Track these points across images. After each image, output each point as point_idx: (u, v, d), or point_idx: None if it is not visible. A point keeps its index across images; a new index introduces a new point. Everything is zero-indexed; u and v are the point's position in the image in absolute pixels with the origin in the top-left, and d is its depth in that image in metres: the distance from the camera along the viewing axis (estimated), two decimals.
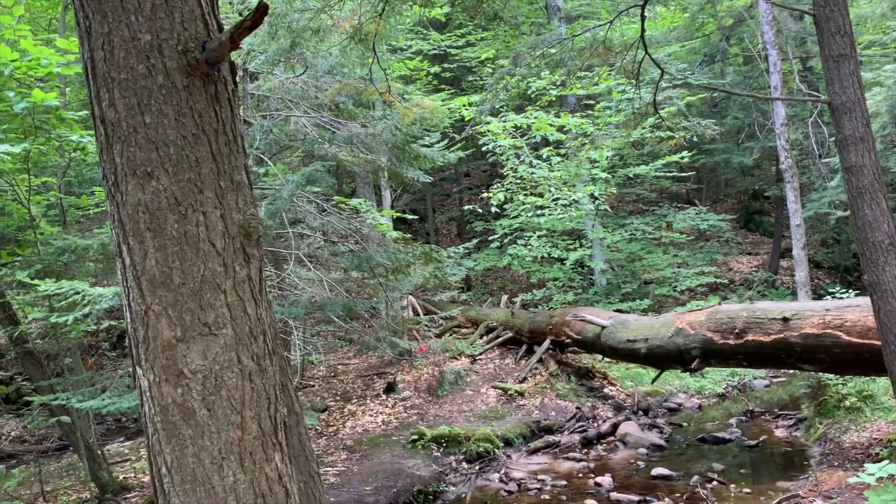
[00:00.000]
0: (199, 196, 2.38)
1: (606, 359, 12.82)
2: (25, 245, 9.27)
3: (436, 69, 16.37)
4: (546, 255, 16.01)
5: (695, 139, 12.60)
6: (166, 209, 2.34)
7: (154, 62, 2.32)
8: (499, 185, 12.10)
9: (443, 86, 16.73)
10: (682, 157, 14.16)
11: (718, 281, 17.01)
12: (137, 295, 2.36)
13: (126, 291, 2.41)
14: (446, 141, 11.06)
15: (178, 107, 2.35)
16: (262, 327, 2.52)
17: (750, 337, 8.66)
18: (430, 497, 8.84)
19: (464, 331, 15.51)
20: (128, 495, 8.98)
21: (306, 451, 4.12)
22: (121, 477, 9.49)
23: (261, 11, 2.22)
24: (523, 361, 13.49)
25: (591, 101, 15.45)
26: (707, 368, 12.73)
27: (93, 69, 2.37)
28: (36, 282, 6.72)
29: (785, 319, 8.26)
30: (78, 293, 6.56)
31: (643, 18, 7.23)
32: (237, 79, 2.62)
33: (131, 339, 2.43)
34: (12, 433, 14.36)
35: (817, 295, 14.48)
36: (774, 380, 13.17)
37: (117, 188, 2.36)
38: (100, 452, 9.08)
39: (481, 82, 16.74)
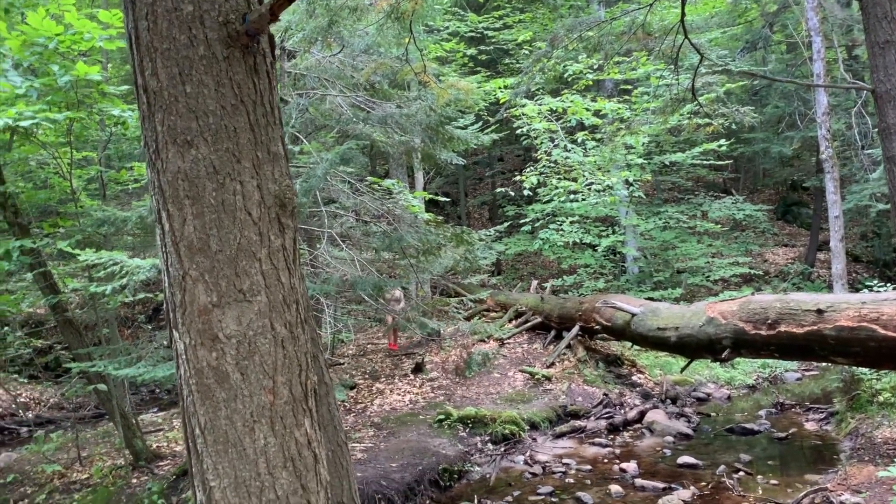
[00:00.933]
0: (237, 165, 2.44)
1: (635, 347, 12.76)
2: (66, 217, 9.50)
3: (472, 51, 16.30)
4: (578, 241, 15.93)
5: (733, 127, 12.40)
6: (205, 177, 2.40)
7: (195, 32, 2.37)
8: (532, 168, 12.04)
9: (478, 68, 16.66)
10: (720, 146, 13.94)
11: (753, 272, 16.78)
12: (175, 260, 2.42)
13: (165, 257, 2.48)
14: (480, 123, 11.03)
15: (218, 77, 2.40)
16: (295, 296, 2.57)
17: (783, 328, 8.54)
18: (456, 476, 8.93)
19: (493, 315, 15.54)
20: (160, 463, 9.21)
21: (335, 421, 4.20)
22: (154, 445, 9.73)
23: None
24: (551, 346, 13.49)
25: (629, 87, 15.27)
26: (737, 359, 12.62)
27: (136, 39, 2.42)
28: (77, 251, 6.88)
29: (819, 311, 8.13)
30: (116, 264, 6.71)
31: (683, 2, 7.13)
32: (275, 52, 2.66)
33: (168, 303, 2.50)
34: (51, 400, 14.78)
35: (854, 289, 14.22)
36: (806, 373, 13.00)
37: (158, 156, 2.42)
38: (134, 421, 9.31)
39: (517, 65, 16.63)
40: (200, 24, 2.37)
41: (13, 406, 13.79)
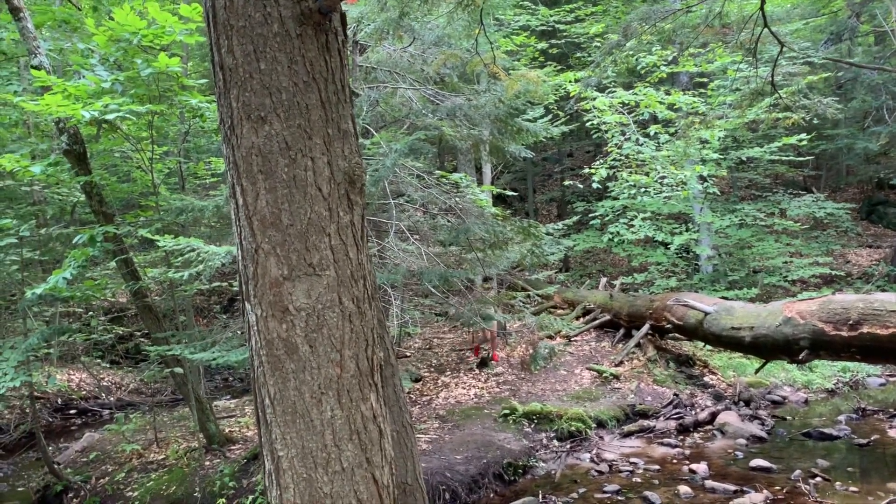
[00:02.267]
0: (308, 142, 2.48)
1: (708, 347, 12.43)
2: (147, 209, 9.88)
3: (543, 45, 16.16)
4: (649, 237, 15.60)
5: (815, 121, 11.91)
6: (277, 153, 2.45)
7: (270, 10, 2.42)
8: (602, 161, 11.86)
9: (549, 62, 16.50)
10: (801, 140, 13.41)
11: (834, 273, 16.11)
12: (249, 234, 2.48)
13: (238, 230, 2.54)
14: (550, 117, 10.92)
15: (291, 54, 2.45)
16: (363, 272, 2.60)
17: (865, 329, 8.18)
18: (520, 471, 8.89)
19: (560, 311, 15.39)
20: (232, 447, 9.49)
21: (400, 402, 4.23)
22: (226, 430, 10.03)
23: None
24: (620, 345, 13.28)
25: (705, 80, 14.87)
26: (815, 362, 12.14)
27: (213, 17, 2.49)
28: (156, 237, 7.14)
29: None
30: (193, 250, 6.93)
31: None
32: (347, 31, 2.69)
33: (241, 275, 2.57)
34: (131, 385, 15.41)
35: None
36: (891, 378, 12.40)
37: (233, 131, 2.48)
38: (208, 406, 9.62)
39: (589, 58, 16.41)
40: (275, 1, 2.42)
41: (96, 389, 14.45)
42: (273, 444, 2.50)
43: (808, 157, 15.90)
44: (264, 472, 2.59)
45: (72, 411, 13.76)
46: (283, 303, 2.46)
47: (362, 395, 2.55)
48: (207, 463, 9.02)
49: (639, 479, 8.45)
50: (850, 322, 8.33)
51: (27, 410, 12.02)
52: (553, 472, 8.92)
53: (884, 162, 20.45)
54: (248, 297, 2.53)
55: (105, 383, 14.96)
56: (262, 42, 2.42)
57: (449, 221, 9.44)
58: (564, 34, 16.69)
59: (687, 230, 16.34)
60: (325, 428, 2.48)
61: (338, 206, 2.53)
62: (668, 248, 16.74)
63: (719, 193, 15.84)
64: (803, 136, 13.40)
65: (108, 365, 16.09)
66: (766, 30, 7.25)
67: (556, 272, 19.39)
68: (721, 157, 14.27)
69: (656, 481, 8.36)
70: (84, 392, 14.62)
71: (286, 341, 2.46)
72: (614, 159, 11.58)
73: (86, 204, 12.44)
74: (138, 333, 16.35)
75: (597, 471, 8.84)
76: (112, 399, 14.13)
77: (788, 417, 10.69)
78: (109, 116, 7.25)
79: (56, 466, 9.21)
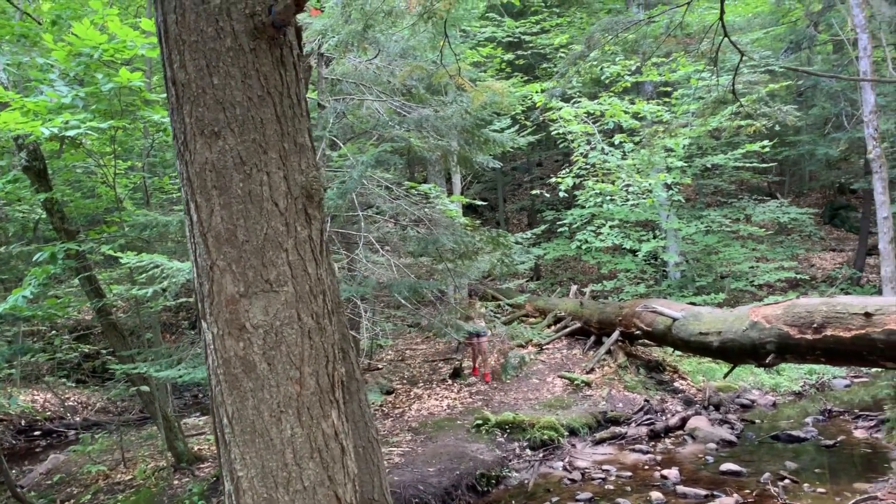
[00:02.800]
0: (264, 156, 2.45)
1: (677, 352, 12.53)
2: (112, 225, 9.72)
3: (509, 56, 16.27)
4: (617, 244, 15.74)
5: (777, 128, 12.13)
6: (232, 168, 2.42)
7: (223, 25, 2.40)
8: (568, 170, 11.95)
9: (516, 73, 16.63)
10: (764, 147, 13.65)
11: (799, 277, 16.38)
12: (203, 251, 2.44)
13: (193, 248, 2.50)
14: (517, 127, 10.98)
15: (245, 69, 2.42)
16: (322, 287, 2.57)
17: (829, 332, 8.30)
18: (493, 481, 8.86)
19: (531, 320, 15.43)
20: (201, 465, 9.33)
21: (366, 417, 4.19)
22: (195, 448, 9.87)
23: None
24: (591, 352, 13.34)
25: (669, 89, 15.08)
26: (783, 365, 12.31)
27: (165, 32, 2.46)
28: (119, 254, 7.03)
29: (867, 315, 7.88)
30: (157, 266, 6.83)
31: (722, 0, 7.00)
32: (302, 45, 2.67)
33: (197, 293, 2.53)
34: (97, 404, 15.11)
35: None
36: (856, 380, 12.61)
37: (186, 147, 2.45)
38: (176, 424, 9.46)
39: (555, 69, 16.54)
40: (227, 16, 2.40)
41: (61, 409, 14.15)
42: (232, 465, 2.45)
43: (771, 164, 16.18)
44: (224, 492, 2.54)
45: (36, 433, 13.44)
46: (239, 320, 2.42)
47: (323, 413, 2.51)
48: (176, 482, 8.86)
49: (611, 487, 8.48)
50: (815, 325, 8.45)
51: None
52: (526, 481, 8.90)
53: (844, 167, 20.89)
54: (204, 315, 2.48)
55: (71, 403, 14.66)
56: (214, 57, 2.39)
57: (419, 232, 9.44)
58: (531, 45, 16.82)
59: (655, 237, 16.51)
60: (286, 447, 2.44)
61: (295, 220, 2.50)
62: (637, 255, 16.89)
63: (685, 201, 16.04)
64: (766, 142, 13.63)
65: (73, 384, 15.76)
66: (726, 39, 7.37)
67: (526, 281, 19.46)
68: (686, 164, 14.47)
69: (629, 488, 8.39)
70: (49, 413, 14.30)
71: (243, 359, 2.42)
72: (580, 168, 11.67)
73: (48, 221, 12.23)
74: (104, 352, 16.08)
75: (570, 479, 8.84)
76: (78, 419, 13.84)
77: (757, 421, 10.81)
78: (70, 133, 7.12)
79: (19, 490, 8.99)
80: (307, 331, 2.50)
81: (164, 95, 8.35)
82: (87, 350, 14.25)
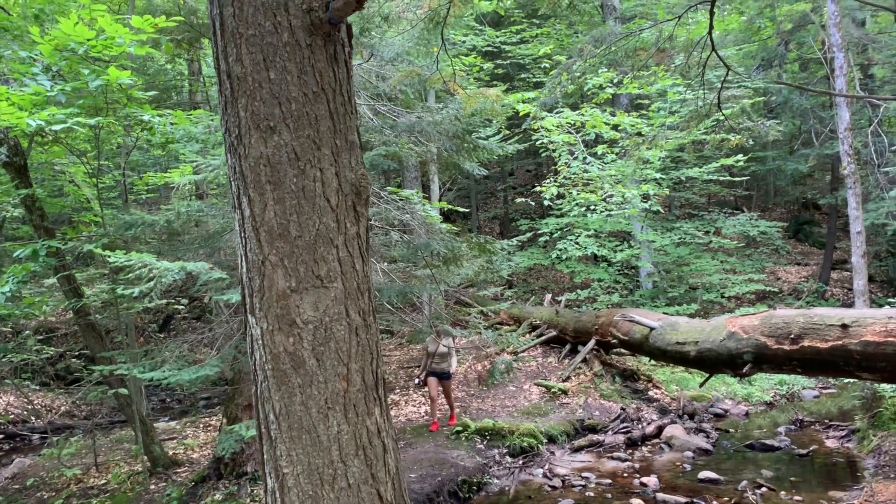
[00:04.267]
0: (317, 153, 2.45)
1: (652, 362, 12.70)
2: (84, 225, 9.54)
3: (489, 65, 16.39)
4: (592, 255, 15.92)
5: (749, 143, 12.42)
6: (286, 163, 2.41)
7: (280, 19, 2.39)
8: (552, 179, 12.07)
9: (495, 82, 16.76)
10: (737, 161, 13.96)
11: (767, 289, 16.74)
12: (255, 245, 2.43)
13: (243, 242, 2.48)
14: (500, 135, 11.06)
15: (301, 64, 2.42)
16: (368, 284, 2.58)
17: (806, 343, 8.48)
18: (474, 488, 8.87)
19: (506, 328, 15.49)
20: (178, 469, 9.17)
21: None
22: (170, 452, 9.70)
23: None
24: (567, 360, 13.44)
25: (644, 101, 15.35)
26: (755, 376, 12.56)
27: (221, 25, 2.44)
28: (107, 253, 6.90)
29: (844, 326, 8.08)
30: (146, 266, 6.72)
31: (712, 15, 7.16)
32: (353, 41, 2.68)
33: (246, 288, 2.50)
34: (62, 407, 14.75)
35: (876, 306, 14.17)
36: (824, 391, 12.93)
37: (240, 141, 2.43)
38: (153, 428, 9.28)
39: (534, 79, 16.69)
40: (285, 11, 2.40)
41: (24, 412, 13.77)
42: (278, 461, 2.43)
43: (742, 178, 16.55)
44: (265, 490, 2.51)
45: None
46: (290, 315, 2.41)
47: (368, 410, 2.51)
48: (153, 487, 8.69)
49: (592, 494, 8.54)
50: (792, 336, 8.63)
51: None
52: (507, 488, 8.92)
53: (809, 183, 21.45)
54: (253, 310, 2.46)
55: (35, 406, 14.27)
56: (271, 51, 2.39)
57: (402, 237, 9.42)
58: (509, 55, 16.97)
59: (630, 247, 16.73)
60: (332, 443, 2.43)
61: (345, 217, 2.50)
62: (611, 265, 17.08)
63: (661, 211, 16.30)
64: (740, 157, 13.93)
65: (37, 387, 15.35)
66: (713, 53, 7.54)
67: (501, 289, 19.56)
68: (662, 176, 14.71)
69: (609, 495, 8.47)
70: (11, 416, 13.91)
71: (293, 355, 2.41)
72: (564, 177, 11.80)
73: (16, 219, 11.93)
74: (70, 354, 15.68)
75: (550, 486, 8.89)
76: (42, 422, 13.48)
77: (731, 430, 11.00)
78: (56, 127, 6.99)
79: None
80: (355, 327, 2.50)
81: (150, 94, 8.25)
82: (51, 352, 13.90)
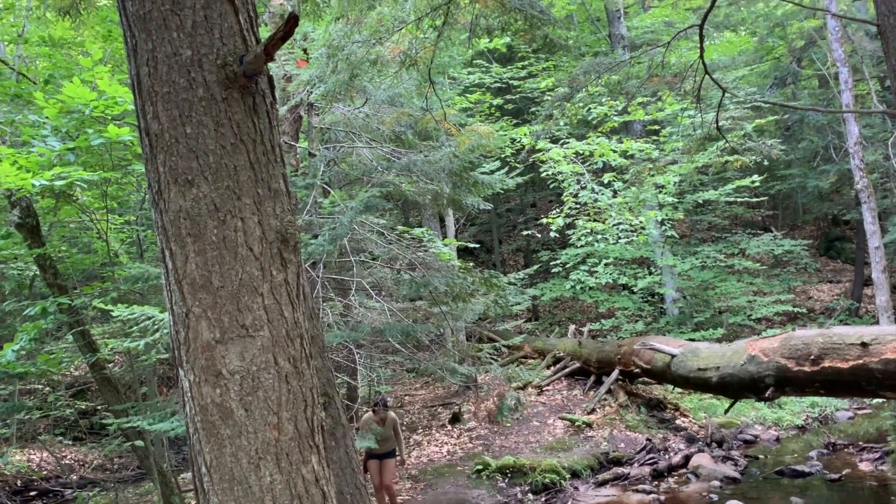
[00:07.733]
0: (238, 203, 2.47)
1: (678, 390, 12.44)
2: (108, 280, 9.74)
3: (498, 101, 16.51)
4: (612, 282, 15.73)
5: (766, 163, 12.25)
6: (206, 215, 2.44)
7: (194, 75, 2.44)
8: (558, 210, 12.03)
9: (505, 117, 16.85)
10: (753, 182, 13.78)
11: (797, 310, 16.33)
12: (179, 298, 2.45)
13: (169, 295, 2.51)
14: (507, 169, 11.09)
15: (217, 117, 2.46)
16: (299, 331, 2.57)
17: (826, 363, 8.24)
18: None
19: (530, 361, 15.34)
20: None
21: (353, 463, 4.13)
22: (193, 503, 9.70)
23: (291, 23, 2.32)
24: (591, 392, 13.23)
25: (657, 127, 15.29)
26: (785, 399, 12.21)
27: (138, 84, 2.50)
28: (110, 307, 7.02)
29: (864, 345, 7.85)
30: (149, 318, 6.82)
31: (702, 38, 7.14)
32: (275, 92, 2.72)
33: (174, 341, 2.52)
34: (95, 462, 14.90)
35: None
36: (859, 411, 12.48)
37: (160, 196, 2.47)
38: (173, 479, 9.32)
39: (543, 112, 16.73)
40: (199, 66, 2.45)
41: (57, 468, 13.94)
42: None
43: (762, 198, 16.28)
44: None
45: (32, 493, 13.23)
46: (215, 367, 2.42)
47: (303, 458, 2.49)
48: None
49: None
50: (812, 357, 8.40)
51: None
52: None
53: (836, 199, 21.00)
54: (181, 362, 2.48)
55: (68, 461, 14.45)
56: (187, 107, 2.43)
57: (412, 276, 9.44)
58: (518, 90, 17.07)
59: (651, 273, 16.51)
60: (265, 494, 2.41)
61: (270, 264, 2.51)
62: (634, 293, 16.84)
63: (678, 237, 16.10)
64: (755, 177, 13.76)
65: (70, 442, 15.56)
66: (708, 77, 7.50)
67: (524, 321, 19.39)
68: (677, 201, 14.55)
69: None
70: (45, 472, 14.10)
71: (220, 406, 2.41)
72: (570, 208, 11.75)
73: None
74: (101, 408, 15.89)
75: None
76: (75, 477, 13.64)
77: (761, 456, 10.67)
78: (59, 183, 7.20)
79: None
80: (284, 375, 2.49)
81: None
82: (83, 406, 14.10)
